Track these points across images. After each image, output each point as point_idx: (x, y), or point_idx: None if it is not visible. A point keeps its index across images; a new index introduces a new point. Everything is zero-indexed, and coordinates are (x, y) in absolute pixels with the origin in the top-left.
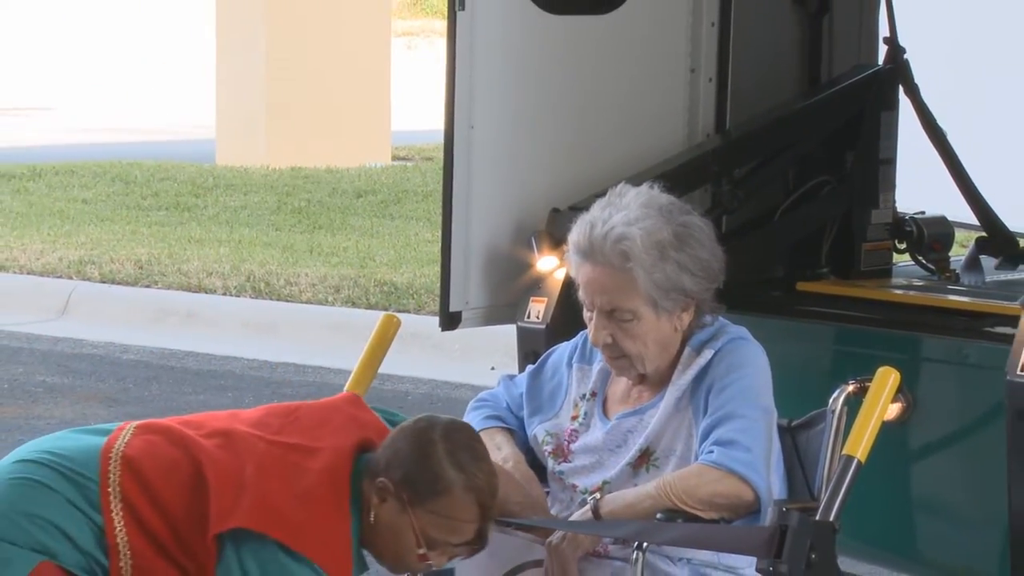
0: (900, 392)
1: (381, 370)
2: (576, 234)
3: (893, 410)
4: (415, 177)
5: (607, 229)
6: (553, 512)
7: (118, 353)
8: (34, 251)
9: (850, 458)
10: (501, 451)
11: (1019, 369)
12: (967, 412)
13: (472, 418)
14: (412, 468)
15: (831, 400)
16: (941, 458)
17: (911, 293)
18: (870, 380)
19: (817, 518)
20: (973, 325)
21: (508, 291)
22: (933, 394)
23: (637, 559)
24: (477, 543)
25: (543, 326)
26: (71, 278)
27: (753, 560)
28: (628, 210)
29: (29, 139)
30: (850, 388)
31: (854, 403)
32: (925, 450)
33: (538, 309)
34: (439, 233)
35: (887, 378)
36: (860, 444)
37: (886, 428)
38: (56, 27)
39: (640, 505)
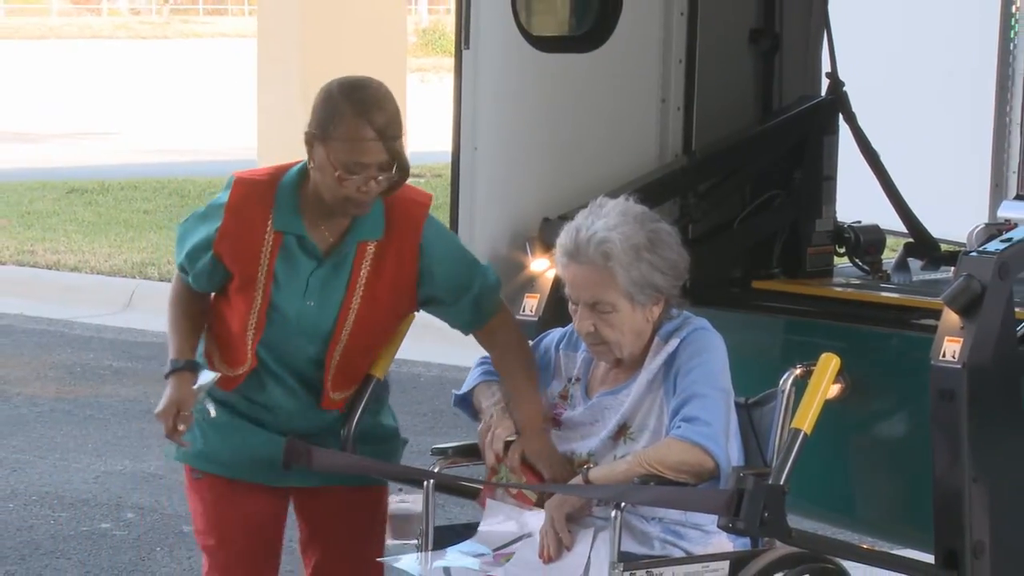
0: (840, 375)
1: (398, 356)
2: (563, 238)
3: (834, 390)
4: (427, 191)
5: (590, 234)
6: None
7: None
8: (103, 254)
9: (797, 431)
10: (495, 396)
11: (941, 355)
12: (897, 392)
13: (475, 373)
14: (319, 113)
15: (781, 381)
16: (875, 431)
17: (849, 290)
18: (814, 365)
19: (769, 482)
20: (902, 318)
21: (506, 288)
22: (868, 377)
23: (616, 517)
24: (388, 168)
25: (535, 318)
26: (134, 277)
27: (716, 518)
28: (608, 218)
29: (99, 159)
30: (797, 371)
31: (801, 384)
32: (861, 425)
33: (531, 304)
34: None
35: (829, 363)
36: (806, 419)
37: (828, 406)
38: (121, 64)
39: (617, 468)
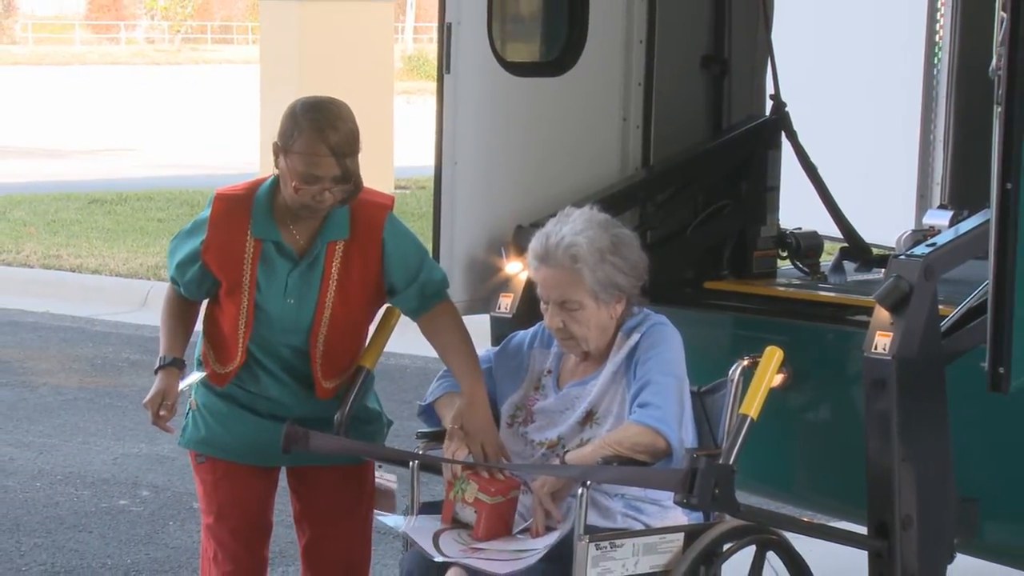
0: (783, 366)
1: (387, 349)
2: (534, 243)
3: (778, 380)
4: (412, 202)
5: (559, 239)
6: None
7: None
8: (121, 258)
9: (744, 416)
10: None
11: (873, 348)
12: (834, 382)
13: (439, 386)
14: (283, 127)
15: (730, 371)
16: (815, 417)
17: (791, 290)
18: (760, 357)
19: (720, 462)
20: (838, 315)
21: (483, 288)
22: (808, 368)
23: (582, 494)
24: (342, 181)
25: (510, 316)
26: (149, 279)
27: (673, 495)
28: (574, 224)
29: (117, 173)
30: (745, 362)
31: (748, 374)
32: (802, 411)
33: (506, 303)
34: (431, 245)
35: (773, 355)
36: (753, 405)
37: (772, 394)
38: (138, 88)
39: (586, 451)
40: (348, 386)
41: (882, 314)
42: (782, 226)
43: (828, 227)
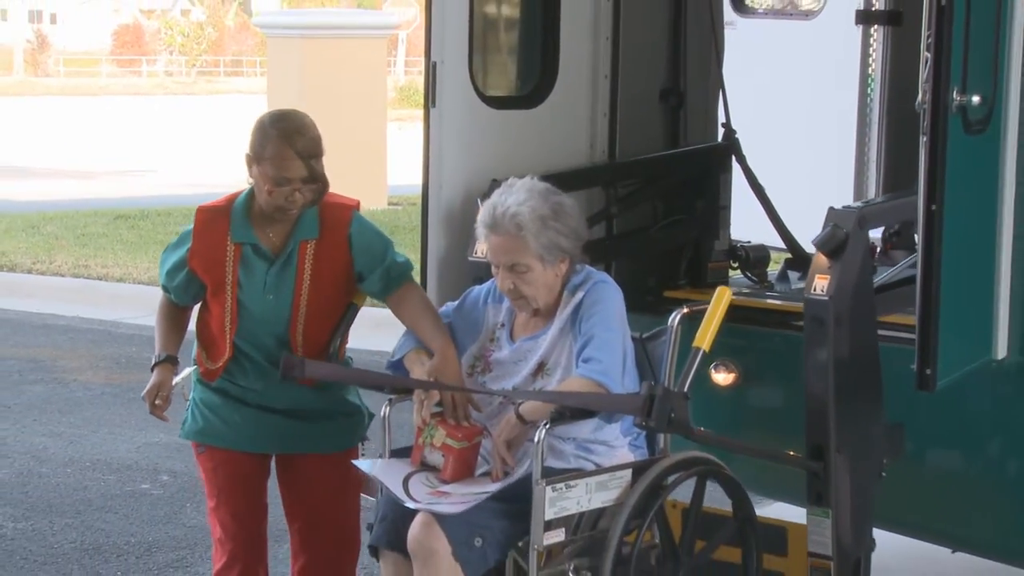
0: (732, 365)
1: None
2: (483, 214)
3: (729, 379)
4: (404, 217)
5: (504, 209)
6: (475, 414)
7: None
8: (143, 268)
9: (697, 349)
10: (426, 365)
11: (813, 290)
12: (778, 377)
13: (405, 343)
14: (254, 138)
15: (670, 319)
16: (762, 404)
17: (741, 298)
18: (698, 305)
19: (675, 390)
20: (783, 319)
21: (462, 238)
22: (755, 365)
23: (541, 438)
24: (310, 181)
25: (486, 259)
26: None
27: (619, 435)
28: (518, 194)
29: (140, 192)
30: (684, 310)
31: (687, 324)
32: (752, 401)
33: (482, 248)
34: (420, 254)
35: (724, 293)
36: (705, 338)
37: (725, 390)
38: (158, 115)
39: (537, 401)
40: (340, 322)
41: (821, 260)
42: (733, 239)
43: (774, 240)
